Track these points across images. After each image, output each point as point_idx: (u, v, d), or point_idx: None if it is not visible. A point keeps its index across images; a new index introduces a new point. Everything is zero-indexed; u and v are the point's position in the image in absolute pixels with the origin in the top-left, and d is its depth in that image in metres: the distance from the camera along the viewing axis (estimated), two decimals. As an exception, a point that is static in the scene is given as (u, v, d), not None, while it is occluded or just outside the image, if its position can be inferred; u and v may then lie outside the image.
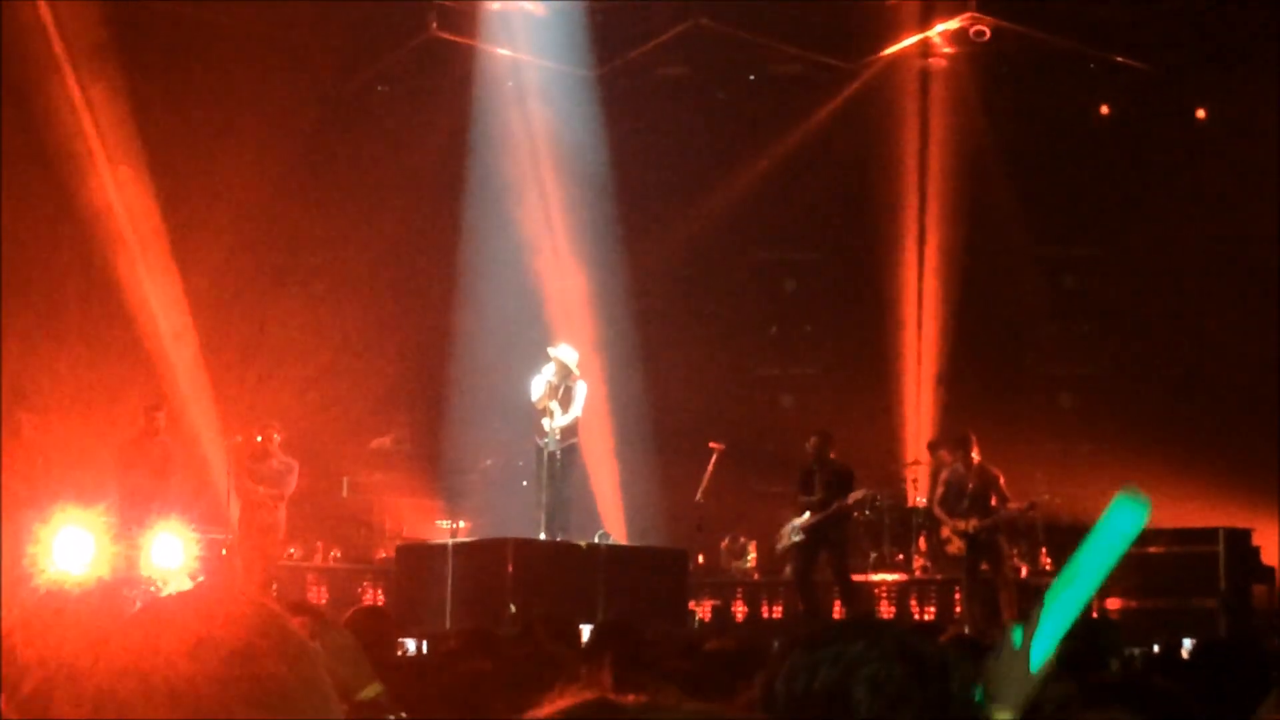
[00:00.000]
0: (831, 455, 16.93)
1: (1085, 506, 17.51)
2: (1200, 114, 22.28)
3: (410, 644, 13.32)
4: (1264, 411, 20.79)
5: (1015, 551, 17.97)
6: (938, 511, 17.15)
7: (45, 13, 19.42)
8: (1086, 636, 8.26)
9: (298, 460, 18.04)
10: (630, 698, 1.86)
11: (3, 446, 16.12)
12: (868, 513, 19.40)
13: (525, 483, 18.29)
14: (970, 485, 16.63)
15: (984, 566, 16.65)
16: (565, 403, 16.79)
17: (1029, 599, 17.85)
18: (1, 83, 18.92)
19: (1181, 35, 21.10)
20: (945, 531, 17.25)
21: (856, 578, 18.28)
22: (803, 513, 16.89)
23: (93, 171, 19.96)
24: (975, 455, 16.76)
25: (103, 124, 19.91)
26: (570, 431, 16.94)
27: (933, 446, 19.87)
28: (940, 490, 17.06)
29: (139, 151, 20.08)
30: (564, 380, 16.77)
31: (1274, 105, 20.20)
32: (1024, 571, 18.14)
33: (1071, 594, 2.67)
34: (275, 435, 17.75)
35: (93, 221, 20.04)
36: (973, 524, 16.53)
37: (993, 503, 16.60)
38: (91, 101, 19.83)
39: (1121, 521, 2.71)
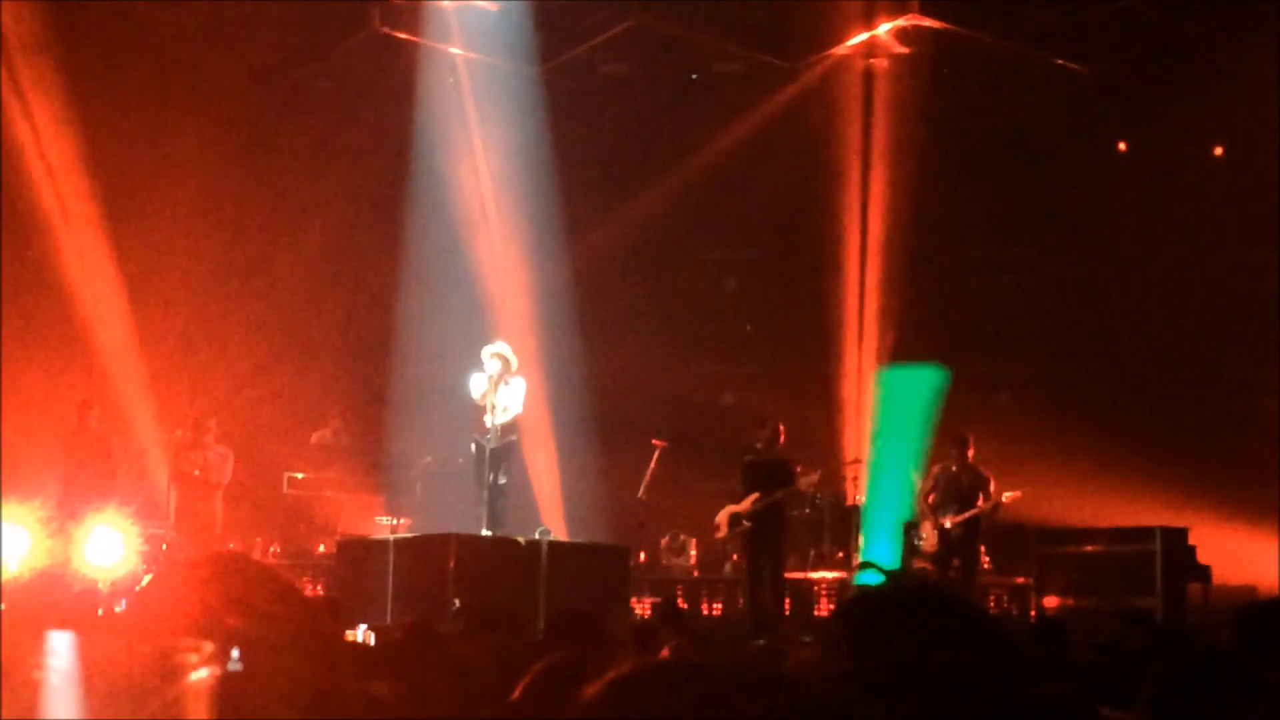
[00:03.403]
0: (778, 444, 17.00)
1: (1024, 506, 17.65)
2: (1138, 116, 22.47)
3: (360, 630, 13.25)
4: (1199, 411, 21.03)
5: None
6: (921, 506, 17.27)
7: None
8: (1035, 639, 8.33)
9: (233, 452, 17.97)
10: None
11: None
12: (808, 510, 19.47)
13: (464, 479, 18.27)
14: (962, 485, 16.79)
15: (955, 561, 16.80)
16: (505, 400, 16.79)
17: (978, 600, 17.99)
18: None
19: (1120, 40, 21.27)
20: (926, 527, 17.32)
21: (796, 575, 18.35)
22: (743, 500, 16.89)
23: (27, 162, 19.79)
24: (970, 456, 16.93)
25: (39, 115, 19.75)
26: (510, 429, 16.96)
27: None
28: (929, 485, 17.20)
29: (76, 142, 19.92)
30: (503, 377, 16.77)
31: (1207, 109, 20.43)
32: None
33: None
34: (208, 425, 17.67)
35: (27, 213, 19.88)
36: (949, 519, 16.68)
37: (979, 504, 16.75)
38: (27, 92, 19.66)
39: (905, 389, 2.80)
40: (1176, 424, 20.88)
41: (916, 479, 18.39)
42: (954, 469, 17.02)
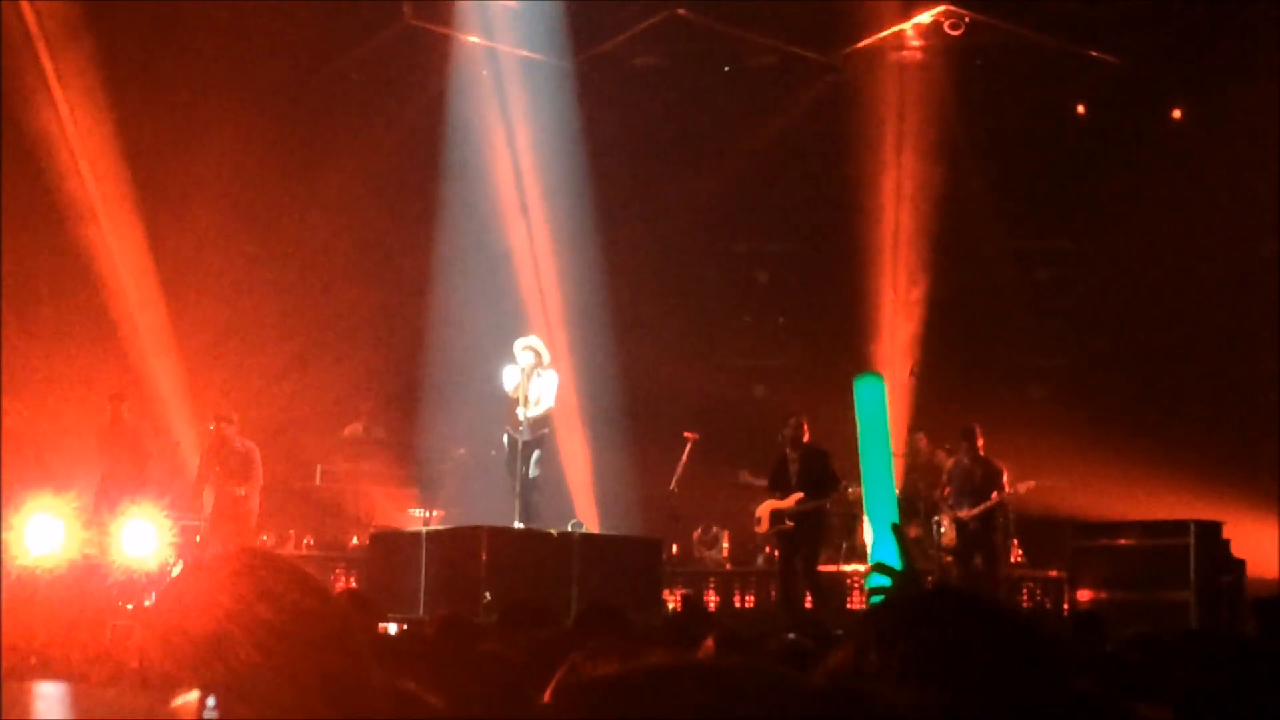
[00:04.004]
0: (807, 439, 16.90)
1: (1057, 499, 17.61)
2: (1175, 112, 22.36)
3: (391, 627, 13.28)
4: (1234, 404, 20.93)
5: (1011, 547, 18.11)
6: (939, 502, 17.24)
7: (19, 5, 19.33)
8: (1073, 629, 8.31)
9: (258, 444, 18.01)
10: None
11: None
12: (853, 510, 19.42)
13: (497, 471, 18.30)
14: (975, 478, 16.74)
15: (977, 561, 16.72)
16: (538, 393, 16.80)
17: (1011, 594, 17.96)
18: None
19: (1158, 32, 21.17)
20: (945, 522, 17.30)
21: (828, 568, 18.33)
22: (784, 497, 16.83)
23: (65, 160, 19.88)
24: (980, 448, 16.88)
25: (75, 112, 19.83)
26: (542, 422, 16.97)
27: (911, 430, 20.05)
28: (944, 480, 17.16)
29: (112, 139, 20.00)
30: (536, 370, 16.79)
31: (1248, 103, 20.31)
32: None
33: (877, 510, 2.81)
34: (228, 423, 17.68)
35: (65, 209, 19.97)
36: (965, 511, 16.63)
37: (994, 496, 16.70)
38: (64, 90, 19.75)
39: (868, 400, 2.82)
40: (1211, 417, 20.79)
41: (852, 491, 18.49)
42: (966, 462, 16.96)
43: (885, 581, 2.62)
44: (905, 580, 2.70)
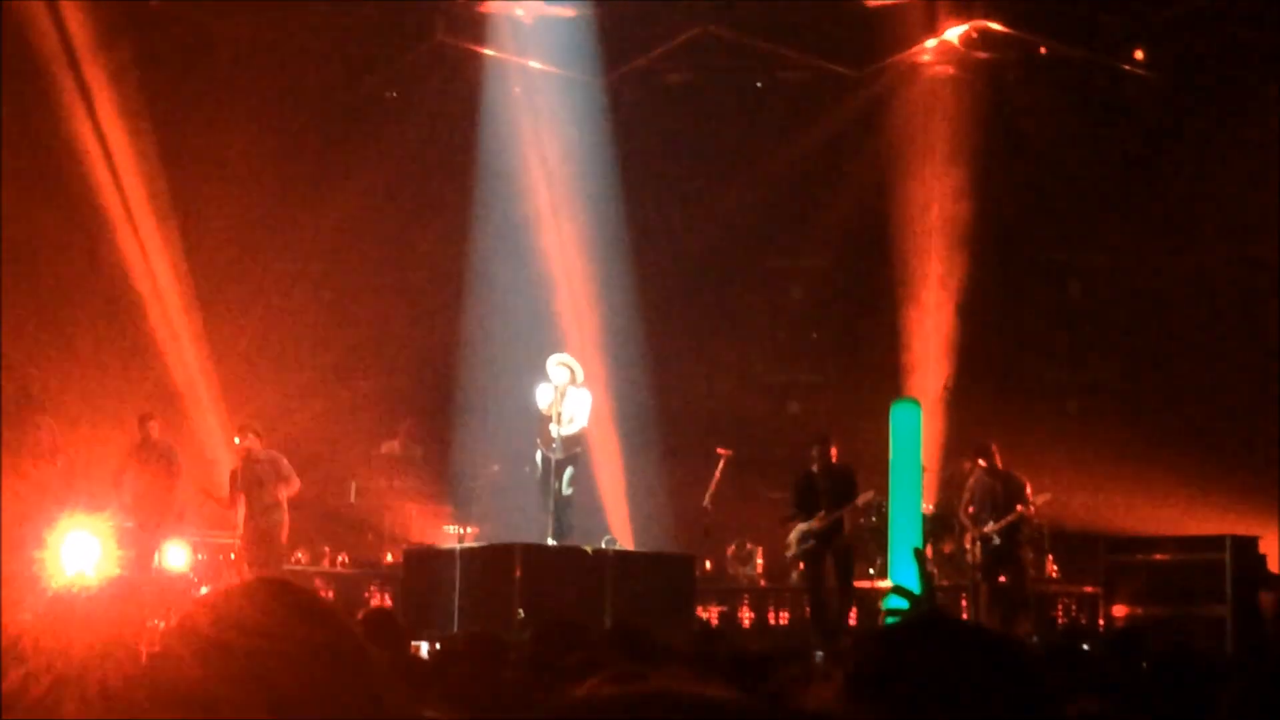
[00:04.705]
0: (833, 459, 16.89)
1: (1093, 514, 17.53)
2: (1209, 124, 22.26)
3: (424, 646, 13.29)
4: (1271, 418, 20.79)
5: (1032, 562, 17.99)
6: (963, 519, 17.16)
7: (55, 19, 19.45)
8: (1115, 647, 8.26)
9: (295, 463, 17.96)
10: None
11: (21, 450, 16.14)
12: (874, 519, 19.38)
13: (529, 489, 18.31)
14: (998, 492, 16.65)
15: (1002, 579, 16.61)
16: (571, 410, 16.82)
17: (1043, 610, 17.89)
18: (7, 90, 18.96)
19: (1193, 46, 21.10)
20: (968, 540, 17.22)
21: (862, 584, 18.28)
22: (809, 519, 16.84)
23: (100, 178, 19.99)
24: (999, 463, 16.80)
25: (111, 131, 19.94)
26: (575, 441, 16.98)
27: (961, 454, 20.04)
28: (966, 497, 17.07)
29: (147, 156, 20.11)
30: (569, 387, 16.81)
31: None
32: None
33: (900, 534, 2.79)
34: (250, 435, 17.62)
35: (100, 227, 20.08)
36: (989, 526, 16.55)
37: (1018, 509, 16.62)
38: (100, 108, 19.86)
39: (903, 425, 2.81)
40: (1248, 431, 20.67)
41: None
42: (986, 478, 16.87)
43: (903, 604, 2.62)
44: (922, 604, 2.70)
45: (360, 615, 7.02)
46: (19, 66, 19.19)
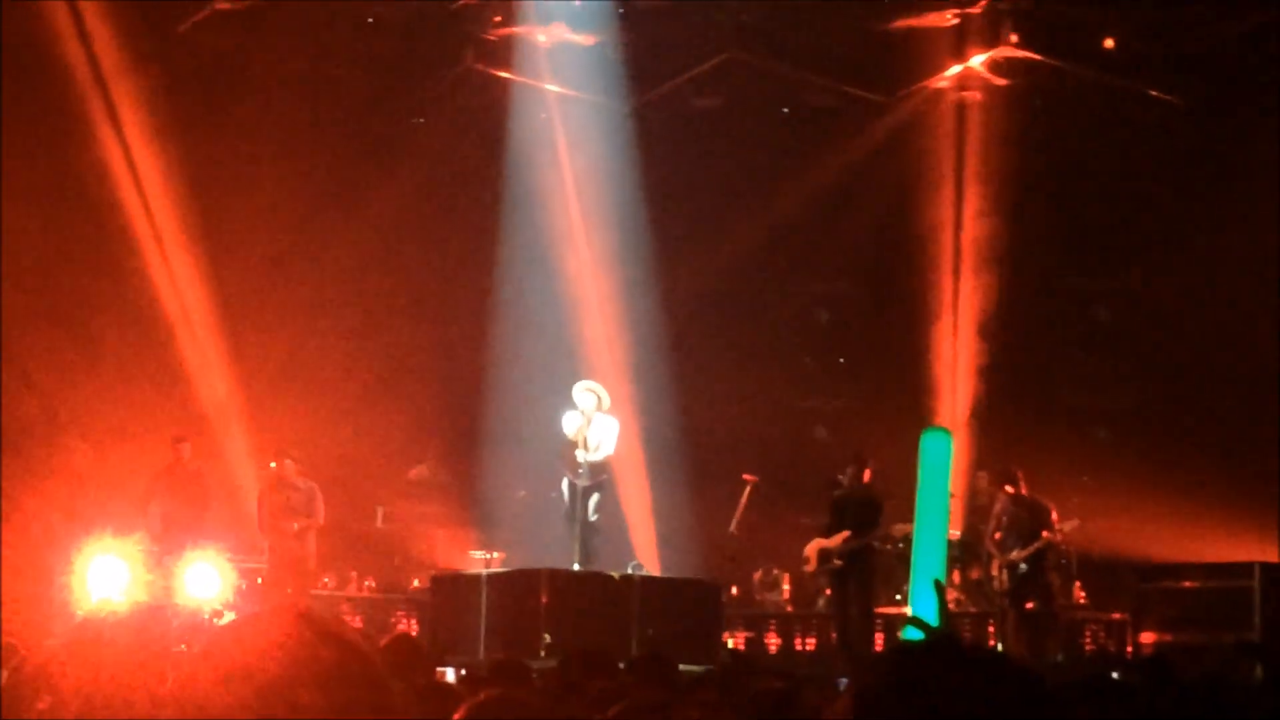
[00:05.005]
0: (865, 480, 16.89)
1: (1121, 541, 17.47)
2: (1236, 150, 22.20)
3: (449, 673, 13.31)
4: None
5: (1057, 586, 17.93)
6: (990, 547, 17.11)
7: (85, 45, 19.57)
8: (1144, 674, 8.25)
9: (323, 487, 18.05)
10: None
11: (53, 474, 16.22)
12: (900, 545, 19.34)
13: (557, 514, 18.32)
14: (1024, 519, 16.61)
15: (1030, 605, 16.55)
16: (598, 437, 16.85)
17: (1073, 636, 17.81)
18: (38, 115, 19.09)
19: (1222, 72, 21.06)
20: (995, 567, 17.18)
21: (889, 610, 18.24)
22: (828, 535, 16.83)
23: (130, 201, 20.09)
24: (1024, 489, 16.76)
25: (141, 154, 20.05)
26: (601, 468, 17.02)
27: (973, 469, 20.00)
28: (993, 525, 17.02)
29: (176, 180, 20.21)
30: (596, 415, 16.85)
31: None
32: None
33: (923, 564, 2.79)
34: (289, 461, 17.73)
35: (129, 249, 20.18)
36: (1016, 553, 16.50)
37: (1044, 535, 16.57)
38: (129, 131, 19.97)
39: (933, 454, 2.80)
40: (1277, 458, 20.56)
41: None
42: (1012, 505, 16.82)
43: (920, 636, 2.62)
44: (939, 637, 2.69)
45: (382, 643, 7.04)
46: (49, 91, 19.33)
